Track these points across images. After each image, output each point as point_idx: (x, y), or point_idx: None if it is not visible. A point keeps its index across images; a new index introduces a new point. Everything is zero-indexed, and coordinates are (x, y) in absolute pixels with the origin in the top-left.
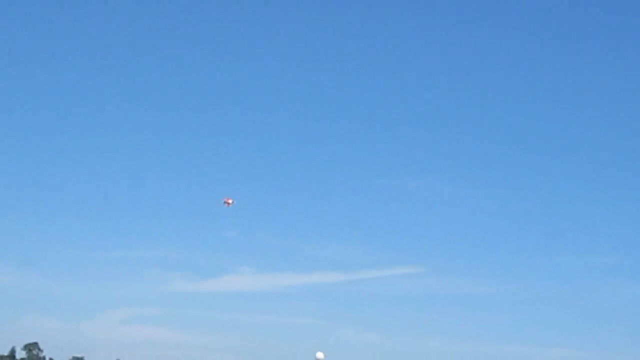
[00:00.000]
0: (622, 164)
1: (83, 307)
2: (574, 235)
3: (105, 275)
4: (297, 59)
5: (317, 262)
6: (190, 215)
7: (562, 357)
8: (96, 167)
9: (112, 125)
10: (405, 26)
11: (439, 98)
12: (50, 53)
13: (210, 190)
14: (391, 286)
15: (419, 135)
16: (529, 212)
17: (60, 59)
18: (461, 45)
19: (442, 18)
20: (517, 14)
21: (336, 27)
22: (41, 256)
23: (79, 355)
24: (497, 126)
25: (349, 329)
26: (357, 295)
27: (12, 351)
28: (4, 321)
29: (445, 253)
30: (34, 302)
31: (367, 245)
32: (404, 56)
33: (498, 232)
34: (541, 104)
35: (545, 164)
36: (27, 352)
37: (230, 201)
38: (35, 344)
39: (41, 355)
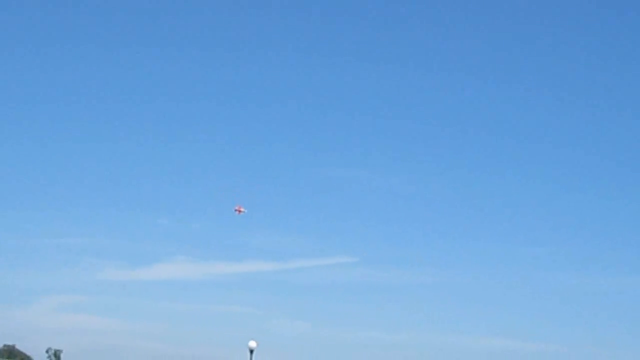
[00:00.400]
0: (559, 149)
1: (14, 295)
2: (510, 225)
3: (36, 263)
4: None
5: (251, 251)
6: (122, 203)
7: (495, 346)
8: (26, 154)
9: (46, 112)
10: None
11: (376, 86)
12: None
13: (143, 178)
14: (325, 276)
15: (353, 124)
16: (464, 201)
17: None
18: (395, 29)
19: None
20: None
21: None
22: None
23: (10, 344)
24: (433, 114)
25: (282, 318)
26: (291, 284)
27: None
28: None
29: (380, 243)
30: None
31: (301, 234)
32: (331, 37)
33: (432, 222)
34: (471, 86)
35: (481, 150)
36: None
37: (242, 210)
38: None
39: None
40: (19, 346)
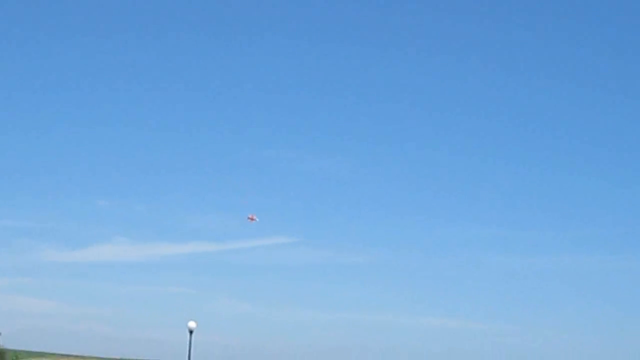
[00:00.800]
0: (512, 126)
1: None
2: (451, 206)
3: None
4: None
5: (191, 232)
6: (60, 183)
7: (434, 325)
8: None
9: None
10: None
11: (310, 67)
12: None
13: (81, 159)
14: (265, 256)
15: (291, 105)
16: (405, 182)
17: None
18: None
19: None
20: None
21: None
22: None
23: None
24: (368, 93)
25: (223, 299)
26: (231, 265)
27: None
28: None
29: (320, 223)
30: None
31: (241, 215)
32: (268, 18)
33: (373, 201)
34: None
35: (427, 128)
36: None
37: (255, 218)
38: None
39: None
40: None
